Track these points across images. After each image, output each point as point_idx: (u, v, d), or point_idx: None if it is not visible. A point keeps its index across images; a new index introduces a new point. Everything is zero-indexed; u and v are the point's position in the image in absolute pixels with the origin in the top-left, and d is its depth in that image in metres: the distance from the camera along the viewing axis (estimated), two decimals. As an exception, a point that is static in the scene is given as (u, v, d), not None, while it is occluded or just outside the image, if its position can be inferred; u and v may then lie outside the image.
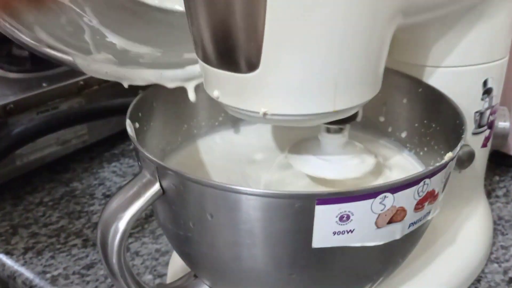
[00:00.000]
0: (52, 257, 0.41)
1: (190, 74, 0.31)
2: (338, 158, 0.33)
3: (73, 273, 0.40)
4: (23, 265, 0.40)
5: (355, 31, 0.25)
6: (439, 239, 0.39)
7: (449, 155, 0.27)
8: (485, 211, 0.43)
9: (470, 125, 0.36)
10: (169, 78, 0.31)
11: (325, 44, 0.25)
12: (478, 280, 0.39)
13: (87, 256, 0.41)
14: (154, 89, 0.34)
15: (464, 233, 0.40)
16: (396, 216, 0.26)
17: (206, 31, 0.27)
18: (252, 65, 0.26)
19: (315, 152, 0.33)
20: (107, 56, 0.32)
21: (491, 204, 0.46)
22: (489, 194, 0.48)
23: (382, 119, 0.39)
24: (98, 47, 0.33)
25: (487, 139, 0.39)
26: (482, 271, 0.40)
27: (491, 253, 0.41)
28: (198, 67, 0.30)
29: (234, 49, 0.26)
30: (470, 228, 0.41)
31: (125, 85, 0.31)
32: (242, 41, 0.25)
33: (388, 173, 0.35)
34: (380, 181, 0.35)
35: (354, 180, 0.32)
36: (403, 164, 0.37)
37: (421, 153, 0.36)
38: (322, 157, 0.33)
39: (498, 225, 0.45)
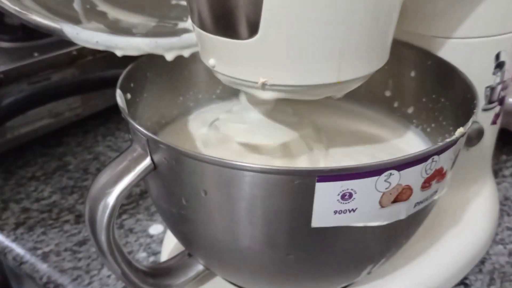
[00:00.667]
0: (44, 233, 0.40)
1: (187, 42, 0.29)
2: (265, 122, 0.31)
3: (65, 250, 0.38)
4: (13, 240, 0.39)
5: (362, -6, 0.23)
6: (444, 219, 0.38)
7: (460, 130, 0.25)
8: (491, 191, 0.41)
9: (480, 100, 0.35)
10: (164, 47, 0.29)
11: (330, 7, 0.23)
12: (482, 261, 0.38)
13: (79, 232, 0.40)
14: (148, 58, 0.32)
15: (469, 214, 0.39)
16: (402, 195, 0.24)
17: (202, -6, 0.25)
18: (251, 30, 0.24)
19: (243, 118, 0.31)
20: (98, 25, 0.30)
21: (497, 184, 0.45)
22: (495, 173, 0.47)
23: (388, 93, 0.37)
24: (88, 16, 0.31)
25: (497, 116, 0.37)
26: (487, 253, 0.39)
27: (496, 234, 0.40)
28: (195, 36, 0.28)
29: (232, 12, 0.24)
30: (476, 208, 0.39)
31: (118, 54, 0.29)
32: (240, 3, 0.23)
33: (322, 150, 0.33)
34: (316, 151, 0.32)
35: (282, 145, 0.30)
36: (407, 140, 0.36)
37: (428, 130, 0.34)
38: (250, 122, 0.31)
39: (504, 206, 0.43)
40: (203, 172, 0.24)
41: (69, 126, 0.51)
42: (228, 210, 0.25)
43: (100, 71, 0.49)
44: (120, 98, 0.28)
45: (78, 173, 0.47)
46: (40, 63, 0.46)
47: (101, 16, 0.31)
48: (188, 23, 0.32)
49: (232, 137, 0.30)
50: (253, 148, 0.30)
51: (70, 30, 0.27)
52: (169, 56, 0.30)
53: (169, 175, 0.25)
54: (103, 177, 0.26)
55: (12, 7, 0.26)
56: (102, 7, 0.32)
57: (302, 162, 0.30)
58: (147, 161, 0.25)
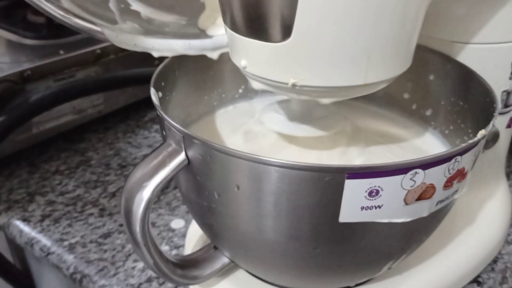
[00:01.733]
0: (69, 225, 0.41)
1: (219, 43, 0.31)
2: (306, 117, 0.33)
3: (90, 242, 0.40)
4: (40, 232, 0.41)
5: (392, 0, 0.24)
6: (459, 219, 0.39)
7: (481, 132, 0.26)
8: (504, 193, 0.43)
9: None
10: (197, 48, 0.30)
11: (360, 12, 0.24)
12: (494, 261, 0.39)
13: (104, 225, 0.41)
14: (177, 58, 0.33)
15: (483, 214, 0.40)
16: (425, 193, 0.25)
17: (237, -2, 0.26)
18: (284, 34, 0.25)
19: (285, 111, 0.33)
20: (132, 25, 0.31)
21: (510, 186, 0.46)
22: (508, 176, 0.48)
23: (406, 96, 0.38)
24: (123, 16, 0.32)
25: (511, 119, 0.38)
26: (499, 252, 0.40)
27: (508, 234, 0.41)
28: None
29: (265, 16, 0.25)
30: (489, 209, 0.40)
31: (155, 55, 0.30)
32: (275, 7, 0.24)
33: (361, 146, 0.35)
34: (351, 145, 0.34)
35: (320, 138, 0.32)
36: (426, 141, 0.37)
37: (446, 132, 0.35)
38: (292, 115, 0.33)
39: (516, 207, 0.44)
40: (237, 167, 0.25)
41: (90, 122, 0.52)
42: (258, 205, 0.26)
43: (123, 69, 0.50)
44: (154, 96, 0.29)
45: (100, 168, 0.48)
46: (66, 60, 0.47)
47: (135, 16, 0.33)
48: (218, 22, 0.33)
49: (272, 127, 0.32)
50: (291, 140, 0.32)
51: (110, 33, 0.29)
52: (215, 55, 0.31)
53: (202, 170, 0.27)
54: (139, 171, 0.27)
55: (57, 11, 0.28)
56: (135, 6, 0.33)
57: (337, 158, 0.31)
58: (181, 156, 0.27)
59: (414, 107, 0.38)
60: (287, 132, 0.32)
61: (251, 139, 0.33)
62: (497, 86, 0.35)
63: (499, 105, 0.36)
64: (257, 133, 0.33)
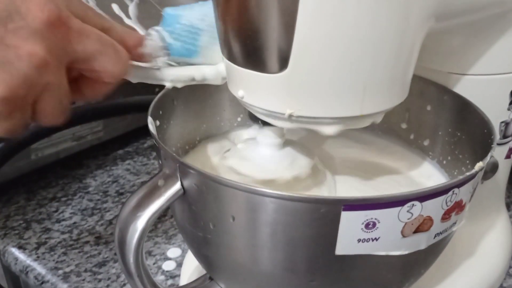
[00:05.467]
0: (64, 253, 0.41)
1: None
2: (272, 158, 0.32)
3: (85, 271, 0.39)
4: (35, 260, 0.40)
5: (388, 34, 0.24)
6: (458, 251, 0.38)
7: (479, 164, 0.26)
8: (505, 223, 0.42)
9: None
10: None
11: (356, 46, 0.24)
12: (496, 294, 0.38)
13: (99, 253, 0.41)
14: (175, 87, 0.33)
15: (483, 246, 0.39)
16: (423, 225, 0.25)
17: (235, 30, 0.26)
18: (281, 65, 0.25)
19: (252, 152, 0.32)
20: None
21: (510, 217, 0.45)
22: (508, 206, 0.47)
23: (404, 125, 0.38)
24: None
25: (511, 150, 0.38)
26: (501, 286, 0.39)
27: (510, 267, 0.41)
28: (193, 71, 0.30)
29: (263, 48, 0.25)
30: (490, 241, 0.40)
31: (168, 86, 0.30)
32: (272, 41, 0.25)
33: (330, 181, 0.33)
34: (323, 188, 0.32)
35: (286, 181, 0.31)
36: (424, 172, 0.36)
37: (444, 162, 0.35)
38: (258, 156, 0.32)
39: (517, 239, 0.44)
40: (233, 198, 0.25)
41: (89, 149, 0.53)
42: (254, 236, 0.26)
43: (123, 96, 0.51)
44: (151, 125, 0.29)
45: (98, 195, 0.48)
46: (67, 87, 0.47)
47: None
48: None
49: (243, 172, 0.31)
50: (264, 183, 0.31)
51: None
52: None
53: (198, 200, 0.26)
54: (134, 200, 0.27)
55: None
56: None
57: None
58: (177, 186, 0.26)
59: (412, 137, 0.38)
60: (248, 175, 0.31)
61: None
62: (495, 116, 0.35)
63: (497, 136, 0.36)
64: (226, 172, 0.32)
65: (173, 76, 0.30)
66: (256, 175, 0.31)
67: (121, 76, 0.27)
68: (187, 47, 0.29)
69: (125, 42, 0.27)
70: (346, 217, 0.23)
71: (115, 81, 0.27)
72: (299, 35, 0.24)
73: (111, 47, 0.26)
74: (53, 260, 0.40)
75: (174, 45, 0.29)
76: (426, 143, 0.37)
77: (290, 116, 0.26)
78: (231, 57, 0.28)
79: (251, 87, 0.27)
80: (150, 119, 0.30)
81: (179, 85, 0.30)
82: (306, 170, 0.31)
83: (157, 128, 0.32)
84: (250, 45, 0.26)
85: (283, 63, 0.25)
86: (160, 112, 0.33)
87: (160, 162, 0.28)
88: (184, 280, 0.37)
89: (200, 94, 0.36)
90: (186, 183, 0.26)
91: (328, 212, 0.23)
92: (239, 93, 0.28)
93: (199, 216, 0.27)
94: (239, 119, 0.40)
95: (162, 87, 0.33)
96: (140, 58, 0.29)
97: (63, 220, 0.45)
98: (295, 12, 0.23)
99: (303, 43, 0.24)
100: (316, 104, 0.26)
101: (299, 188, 0.31)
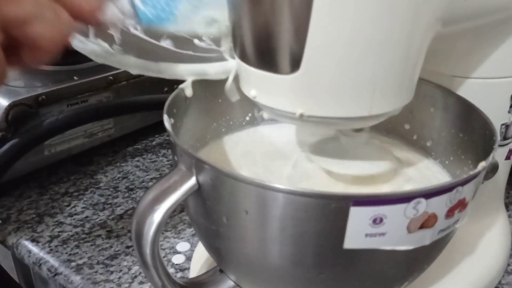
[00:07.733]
0: (77, 246, 0.42)
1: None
2: (358, 155, 0.34)
3: (97, 263, 0.40)
4: (48, 252, 0.41)
5: (398, 37, 0.25)
6: (458, 248, 0.39)
7: (482, 164, 0.27)
8: (504, 223, 0.43)
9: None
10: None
11: (367, 49, 0.25)
12: (495, 291, 0.39)
13: (111, 247, 0.42)
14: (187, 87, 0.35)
15: (483, 244, 0.41)
16: (428, 222, 0.26)
17: (249, 31, 0.27)
18: (293, 66, 0.26)
19: (336, 150, 0.34)
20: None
21: (509, 216, 0.46)
22: (507, 206, 0.48)
23: (407, 126, 0.39)
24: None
25: (510, 151, 0.39)
26: (499, 282, 0.40)
27: (508, 264, 0.42)
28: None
29: (276, 50, 0.26)
30: (489, 239, 0.41)
31: (188, 79, 0.31)
32: (285, 42, 0.26)
33: (408, 172, 0.36)
34: (400, 180, 0.35)
35: (372, 176, 0.33)
36: (426, 171, 0.38)
37: (447, 162, 0.37)
38: (343, 154, 0.34)
39: (516, 238, 0.45)
40: (246, 193, 0.26)
41: (100, 145, 0.54)
42: (265, 230, 0.27)
43: (133, 95, 0.52)
44: (167, 123, 0.31)
45: (109, 191, 0.49)
46: (79, 86, 0.49)
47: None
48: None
49: (323, 165, 0.33)
50: (343, 179, 0.33)
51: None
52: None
53: (212, 194, 0.28)
54: (151, 195, 0.28)
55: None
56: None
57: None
58: (192, 181, 0.28)
59: (415, 137, 0.39)
60: (341, 172, 0.33)
61: (300, 176, 0.34)
62: (496, 119, 0.36)
63: (499, 138, 0.37)
64: (306, 170, 0.34)
65: (178, 70, 0.30)
66: (352, 171, 0.32)
67: (62, 43, 0.25)
68: (157, 13, 0.27)
69: (80, 7, 0.25)
70: (355, 212, 0.25)
71: (55, 48, 0.24)
72: (312, 38, 0.25)
73: (50, 10, 0.23)
74: (66, 253, 0.41)
75: (143, 10, 0.27)
76: (428, 143, 0.38)
77: (301, 115, 0.28)
78: (243, 57, 0.29)
79: (263, 87, 0.28)
80: (166, 117, 0.31)
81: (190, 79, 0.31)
82: (392, 164, 0.33)
83: (172, 125, 0.33)
84: (264, 46, 0.27)
85: (296, 64, 0.26)
86: (175, 110, 0.34)
87: (176, 158, 0.30)
88: (194, 272, 0.38)
89: (211, 92, 0.37)
90: (201, 178, 0.27)
91: (338, 208, 0.25)
92: (251, 92, 0.29)
93: (213, 210, 0.28)
94: (247, 118, 0.41)
95: (171, 87, 0.34)
96: (98, 25, 0.27)
97: (75, 214, 0.46)
98: (309, 16, 0.25)
99: (315, 46, 0.25)
100: (326, 104, 0.27)
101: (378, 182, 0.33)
